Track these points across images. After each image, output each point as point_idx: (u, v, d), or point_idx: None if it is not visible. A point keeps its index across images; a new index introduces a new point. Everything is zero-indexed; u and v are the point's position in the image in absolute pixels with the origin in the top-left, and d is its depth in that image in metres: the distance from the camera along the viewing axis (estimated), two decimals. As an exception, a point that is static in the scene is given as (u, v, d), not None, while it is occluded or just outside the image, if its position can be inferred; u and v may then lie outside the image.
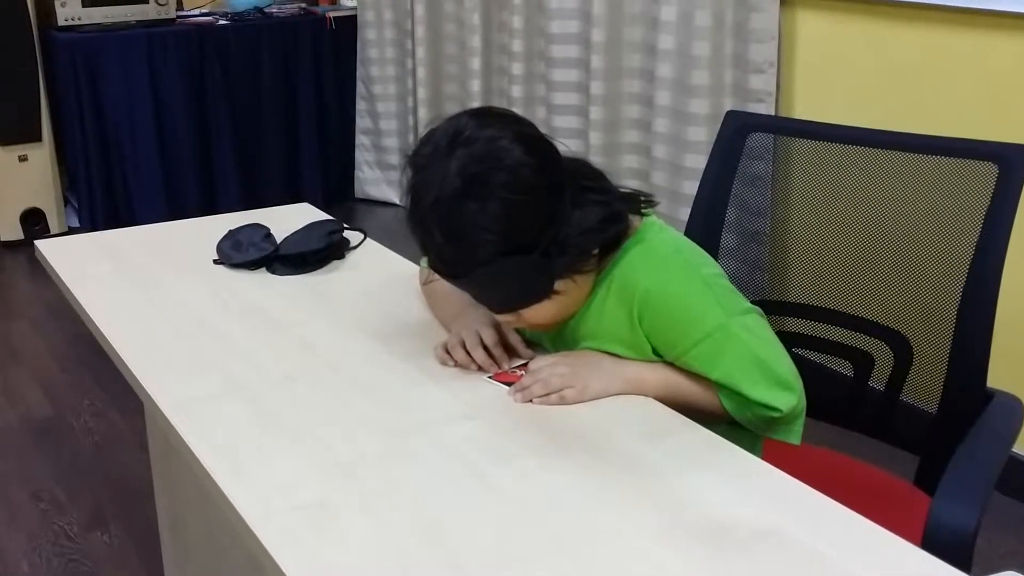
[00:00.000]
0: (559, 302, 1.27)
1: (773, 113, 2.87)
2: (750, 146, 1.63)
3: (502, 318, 1.31)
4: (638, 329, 1.28)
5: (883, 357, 1.54)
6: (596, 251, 1.27)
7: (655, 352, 1.30)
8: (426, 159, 1.21)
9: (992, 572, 1.18)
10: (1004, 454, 1.29)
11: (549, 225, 1.20)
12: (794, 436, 1.29)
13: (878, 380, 1.56)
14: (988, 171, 1.41)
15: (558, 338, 1.38)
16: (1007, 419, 1.37)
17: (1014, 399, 1.41)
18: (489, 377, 1.32)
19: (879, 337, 1.54)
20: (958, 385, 1.45)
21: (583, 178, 1.26)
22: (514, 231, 1.18)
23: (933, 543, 1.12)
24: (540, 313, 1.28)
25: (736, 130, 1.64)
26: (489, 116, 1.22)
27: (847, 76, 2.69)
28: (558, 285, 1.24)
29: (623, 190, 1.31)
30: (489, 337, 1.35)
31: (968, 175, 1.43)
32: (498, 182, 1.17)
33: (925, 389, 1.50)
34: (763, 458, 1.15)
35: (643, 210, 1.32)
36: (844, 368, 1.59)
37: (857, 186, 1.56)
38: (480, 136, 1.19)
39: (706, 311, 1.25)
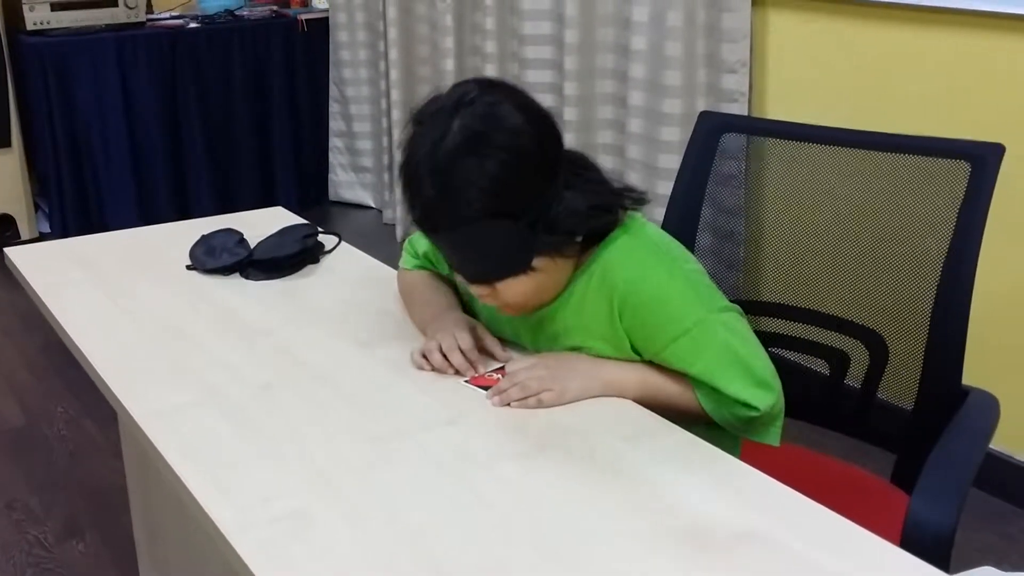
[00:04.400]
0: (536, 281, 1.26)
1: (746, 112, 2.88)
2: (724, 146, 1.64)
3: (476, 290, 1.30)
4: (618, 324, 1.28)
5: (858, 356, 1.55)
6: (580, 238, 1.27)
7: (633, 349, 1.29)
8: (429, 116, 1.23)
9: (969, 567, 1.19)
10: (980, 452, 1.29)
11: (540, 197, 1.21)
12: (772, 437, 1.29)
13: (854, 379, 1.56)
14: (960, 169, 1.42)
15: (538, 332, 1.37)
16: (983, 416, 1.37)
17: (989, 396, 1.42)
18: (465, 381, 1.31)
19: (854, 336, 1.54)
20: (934, 383, 1.46)
21: (580, 166, 1.28)
22: (505, 194, 1.19)
23: (911, 542, 1.12)
24: (515, 290, 1.27)
25: (709, 130, 1.64)
26: (495, 84, 1.26)
27: (819, 75, 2.70)
28: (537, 262, 1.24)
29: (616, 185, 1.31)
30: (465, 341, 1.34)
31: (941, 173, 1.44)
32: (498, 143, 1.19)
33: (901, 387, 1.51)
34: (741, 458, 1.15)
35: (630, 207, 1.32)
36: (820, 367, 1.59)
37: (830, 185, 1.56)
38: (485, 100, 1.22)
39: (687, 307, 1.25)
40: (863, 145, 1.53)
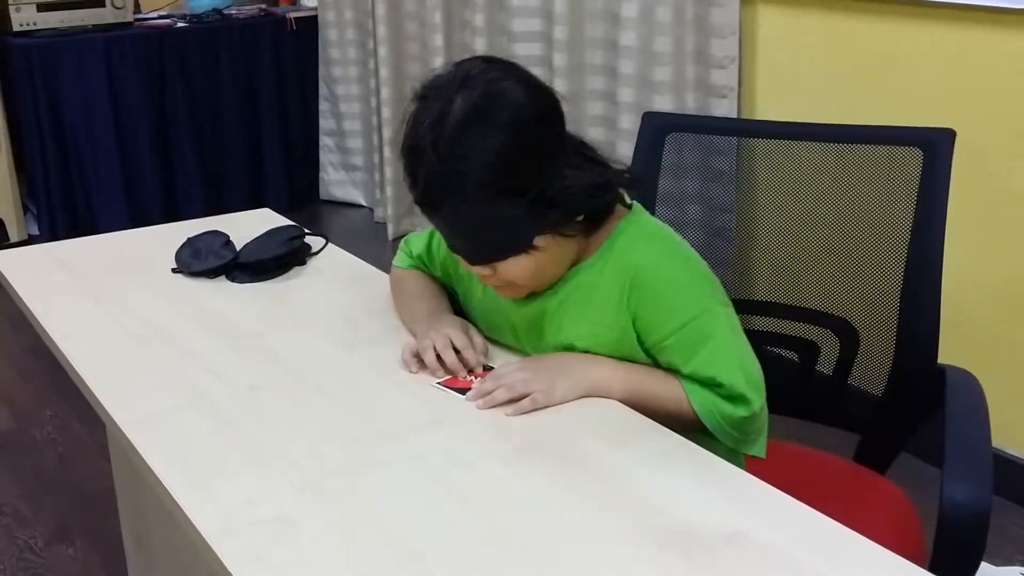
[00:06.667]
0: (537, 260, 1.25)
1: (736, 108, 2.87)
2: (670, 146, 1.64)
3: (477, 270, 1.28)
4: (624, 311, 1.27)
5: (829, 345, 1.55)
6: (582, 217, 1.26)
7: (638, 338, 1.28)
8: (432, 92, 1.22)
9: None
10: (988, 425, 1.29)
11: (543, 173, 1.20)
12: (759, 449, 1.28)
13: (826, 367, 1.57)
14: (914, 156, 1.45)
15: (536, 328, 1.34)
16: (972, 393, 1.38)
17: (966, 373, 1.42)
18: (438, 383, 1.30)
19: (825, 325, 1.55)
20: (907, 365, 1.47)
21: (581, 146, 1.28)
22: (508, 169, 1.18)
23: (950, 525, 1.12)
24: (516, 270, 1.26)
25: (655, 131, 1.66)
26: (497, 61, 1.26)
27: (808, 70, 2.70)
28: (538, 240, 1.23)
29: (615, 166, 1.31)
30: (460, 340, 1.32)
31: (896, 161, 1.47)
32: (502, 118, 1.18)
33: (875, 373, 1.52)
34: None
35: (630, 192, 1.32)
36: (791, 358, 1.60)
37: (791, 178, 1.58)
38: (488, 75, 1.21)
39: (698, 295, 1.26)
40: (817, 138, 1.56)
